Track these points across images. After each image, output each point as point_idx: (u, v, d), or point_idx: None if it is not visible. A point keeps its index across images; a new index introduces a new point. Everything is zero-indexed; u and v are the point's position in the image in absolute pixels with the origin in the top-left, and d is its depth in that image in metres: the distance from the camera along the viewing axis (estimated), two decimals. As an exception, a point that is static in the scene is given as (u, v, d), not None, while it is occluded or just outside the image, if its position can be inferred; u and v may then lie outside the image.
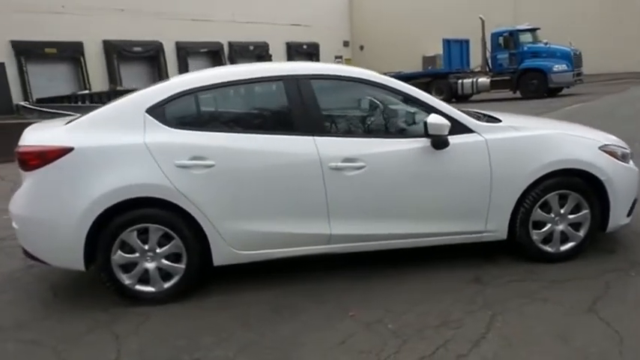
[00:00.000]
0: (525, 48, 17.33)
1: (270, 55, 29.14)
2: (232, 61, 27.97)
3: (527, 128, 3.46)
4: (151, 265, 3.16)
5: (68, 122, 3.30)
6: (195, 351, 2.69)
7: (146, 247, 3.12)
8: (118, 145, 3.05)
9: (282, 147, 3.14)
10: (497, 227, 3.39)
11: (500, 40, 17.86)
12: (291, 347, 2.69)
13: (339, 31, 32.78)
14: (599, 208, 3.44)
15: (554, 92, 17.08)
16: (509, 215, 3.37)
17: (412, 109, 3.40)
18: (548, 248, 3.48)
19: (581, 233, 3.48)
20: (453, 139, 3.21)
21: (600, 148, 3.44)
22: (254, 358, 2.61)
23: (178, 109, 3.21)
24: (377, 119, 3.58)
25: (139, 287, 3.19)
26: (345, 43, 33.43)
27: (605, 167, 3.38)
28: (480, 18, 17.69)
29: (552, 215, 3.42)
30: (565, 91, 17.45)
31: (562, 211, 3.42)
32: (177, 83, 3.26)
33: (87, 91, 20.49)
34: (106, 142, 3.05)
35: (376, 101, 3.62)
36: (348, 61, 33.60)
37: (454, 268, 3.50)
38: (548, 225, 3.44)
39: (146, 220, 3.08)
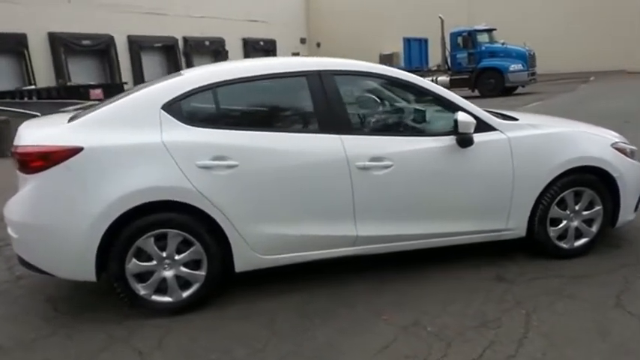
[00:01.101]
0: (483, 48, 17.85)
1: (227, 52, 28.59)
2: (188, 57, 27.26)
3: (545, 126, 3.49)
4: (168, 274, 2.94)
5: (71, 119, 3.03)
6: (232, 365, 2.52)
7: (164, 254, 2.90)
8: (132, 145, 2.81)
9: (308, 146, 3.00)
10: (517, 225, 3.40)
11: (459, 39, 18.31)
12: (333, 356, 2.57)
13: (296, 27, 32.60)
14: (611, 204, 3.52)
15: (509, 91, 17.68)
16: (529, 213, 3.38)
17: (437, 107, 3.35)
18: (563, 245, 3.52)
19: (594, 229, 3.55)
20: (477, 137, 3.18)
21: (612, 145, 3.52)
22: (296, 369, 2.48)
23: (196, 106, 3.00)
24: (402, 117, 3.50)
25: (155, 298, 2.96)
26: (302, 40, 33.27)
27: (617, 164, 3.46)
28: (440, 17, 18.04)
29: (568, 212, 3.47)
30: (520, 89, 18.11)
31: (577, 207, 3.47)
32: (194, 78, 3.05)
33: (33, 87, 19.29)
34: (118, 141, 2.80)
35: (400, 98, 3.54)
36: (304, 59, 33.51)
37: (474, 267, 3.48)
38: (564, 222, 3.48)
39: (164, 225, 2.86)
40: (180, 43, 27.01)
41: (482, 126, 3.23)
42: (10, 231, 2.95)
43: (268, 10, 30.28)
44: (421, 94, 3.32)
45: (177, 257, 2.92)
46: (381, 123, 3.47)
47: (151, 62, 25.88)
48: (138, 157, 2.80)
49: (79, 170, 2.74)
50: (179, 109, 2.92)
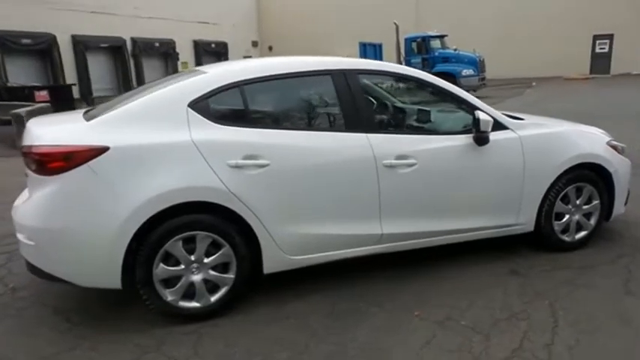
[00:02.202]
0: (437, 53, 18.43)
1: (177, 54, 27.90)
2: (136, 59, 26.32)
3: (550, 125, 3.66)
4: (197, 278, 2.84)
5: (88, 117, 2.86)
6: (279, 368, 2.47)
7: (192, 257, 2.80)
8: (160, 144, 2.69)
9: (337, 145, 3.00)
10: (526, 220, 3.54)
11: (414, 45, 18.81)
12: (379, 354, 2.57)
13: (248, 30, 32.30)
14: (607, 198, 3.74)
15: (461, 95, 18.29)
16: (537, 208, 3.53)
17: (454, 107, 3.43)
18: (565, 238, 3.70)
19: (592, 222, 3.76)
20: (492, 136, 3.29)
21: (607, 142, 3.74)
22: (347, 369, 2.46)
23: (224, 104, 2.92)
24: (423, 116, 3.55)
25: (182, 304, 2.84)
26: (254, 44, 33.01)
27: (612, 160, 3.68)
28: (395, 23, 18.47)
29: (570, 207, 3.65)
30: (470, 94, 18.77)
31: (578, 202, 3.66)
32: (220, 75, 2.95)
33: (-32, 88, 17.97)
34: (146, 140, 2.68)
35: (419, 98, 3.60)
36: (256, 62, 33.23)
37: (486, 262, 3.59)
38: (567, 216, 3.66)
39: (194, 227, 2.76)
40: (129, 44, 26.05)
41: (496, 125, 3.34)
42: (21, 237, 2.74)
43: (219, 12, 29.83)
44: (440, 93, 3.39)
45: (206, 260, 2.83)
46: (403, 122, 3.52)
47: (97, 63, 24.78)
48: (167, 156, 2.69)
49: (105, 171, 2.59)
50: (206, 107, 2.83)
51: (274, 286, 3.22)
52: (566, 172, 3.52)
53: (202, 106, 2.82)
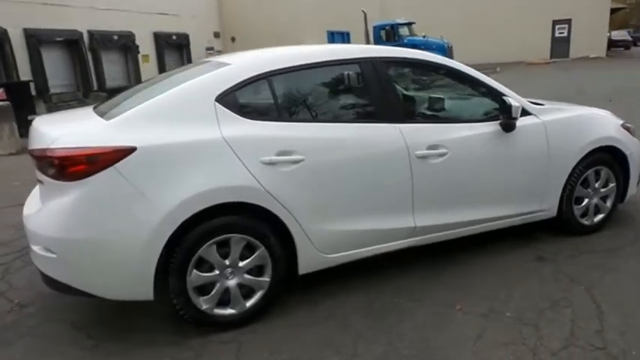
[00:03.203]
0: (405, 40, 18.49)
1: (137, 46, 26.96)
2: (94, 52, 25.27)
3: (569, 109, 3.64)
4: (232, 283, 2.67)
5: (104, 116, 2.62)
6: (334, 373, 2.34)
7: (227, 262, 2.62)
8: (190, 142, 2.49)
9: (370, 137, 2.87)
10: (549, 206, 3.53)
11: (382, 33, 18.79)
12: (433, 350, 2.48)
13: (209, 21, 31.49)
14: (622, 180, 3.77)
15: (431, 82, 18.47)
16: (560, 193, 3.52)
17: (479, 94, 3.35)
18: (585, 221, 3.72)
19: (608, 205, 3.78)
20: (518, 122, 3.24)
21: (621, 125, 3.77)
22: (405, 370, 2.36)
23: (252, 97, 2.74)
24: (450, 104, 3.46)
25: (217, 311, 2.67)
26: (216, 35, 32.23)
27: (627, 142, 3.71)
28: (363, 11, 18.39)
29: (589, 190, 3.66)
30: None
31: (596, 185, 3.68)
32: (247, 66, 2.76)
33: None
34: (174, 138, 2.47)
35: (446, 85, 3.50)
36: (219, 53, 32.57)
37: (510, 249, 3.55)
38: (586, 200, 3.67)
39: (228, 230, 2.58)
40: (86, 38, 24.98)
41: (522, 111, 3.29)
42: (37, 249, 2.49)
43: (179, 3, 28.97)
44: (467, 81, 3.30)
45: (240, 264, 2.66)
46: (432, 110, 3.42)
47: (52, 58, 23.65)
48: (198, 155, 2.49)
49: (133, 174, 2.38)
50: (234, 100, 2.64)
51: (304, 286, 3.08)
52: (586, 155, 3.52)
53: (230, 99, 2.63)
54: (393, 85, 2.99)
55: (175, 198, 2.41)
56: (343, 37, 20.70)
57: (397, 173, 2.93)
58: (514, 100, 3.17)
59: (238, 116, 2.62)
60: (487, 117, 3.27)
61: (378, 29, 18.93)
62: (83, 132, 2.49)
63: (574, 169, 3.51)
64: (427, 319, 2.76)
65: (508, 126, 3.19)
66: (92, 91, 23.40)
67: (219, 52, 32.46)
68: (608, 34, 27.74)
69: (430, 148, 2.99)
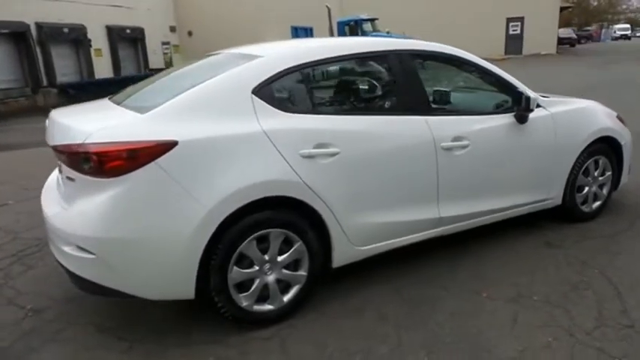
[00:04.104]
0: (369, 36, 18.64)
1: (89, 40, 25.88)
2: (43, 46, 24.07)
3: (570, 102, 3.79)
4: (270, 278, 2.63)
5: (133, 109, 2.52)
6: (387, 363, 2.36)
7: (266, 257, 2.59)
8: (231, 136, 2.44)
9: (401, 129, 2.90)
10: (555, 194, 3.68)
11: (346, 28, 18.89)
12: (474, 336, 2.54)
13: (165, 15, 30.59)
14: (617, 169, 3.98)
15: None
16: (565, 182, 3.68)
17: (495, 87, 3.44)
18: (585, 209, 3.90)
19: (605, 192, 3.99)
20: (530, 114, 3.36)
21: (616, 116, 3.97)
22: (453, 357, 2.40)
23: (287, 89, 2.71)
24: (469, 97, 3.53)
25: (257, 307, 2.63)
26: (172, 29, 31.36)
27: (622, 133, 3.92)
28: (327, 7, 18.42)
29: (589, 179, 3.85)
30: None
31: (595, 174, 3.87)
32: (282, 58, 2.72)
33: None
34: (215, 132, 2.41)
35: (465, 78, 3.57)
36: (176, 48, 31.81)
37: (520, 236, 3.68)
38: (586, 188, 3.85)
39: (268, 225, 2.54)
40: (34, 30, 23.76)
41: (531, 103, 3.40)
42: (70, 250, 2.37)
43: (133, -5, 27.99)
44: (485, 73, 3.39)
45: (279, 259, 2.63)
46: (454, 103, 3.48)
47: (-1, 52, 22.36)
48: (239, 149, 2.44)
49: (175, 169, 2.30)
50: (270, 93, 2.60)
51: (330, 280, 3.08)
52: (588, 146, 3.69)
53: (266, 92, 2.59)
54: (419, 77, 3.02)
55: (218, 193, 2.35)
56: (307, 33, 20.66)
57: (425, 165, 2.97)
58: (531, 92, 3.28)
59: (275, 109, 2.58)
60: (502, 109, 3.37)
61: (342, 25, 19.02)
62: (120, 126, 2.38)
63: (577, 158, 3.67)
64: (458, 306, 2.82)
65: (522, 118, 3.30)
66: (42, 87, 22.33)
67: (176, 47, 31.68)
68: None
69: (454, 140, 3.05)
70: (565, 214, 3.86)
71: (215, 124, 2.43)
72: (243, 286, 2.58)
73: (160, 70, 27.39)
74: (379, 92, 3.12)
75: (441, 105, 3.40)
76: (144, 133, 2.31)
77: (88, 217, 2.29)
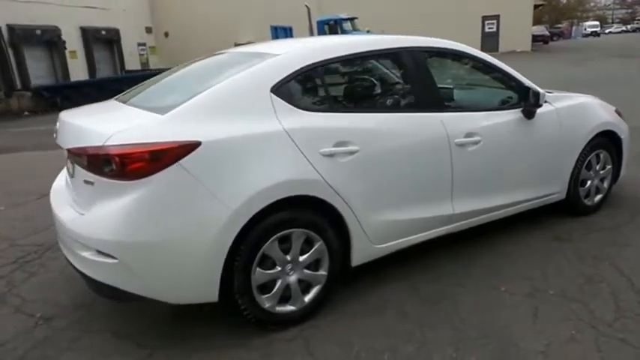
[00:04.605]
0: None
1: (64, 42, 25.30)
2: (15, 48, 23.44)
3: (572, 97, 3.85)
4: (292, 279, 2.60)
5: (156, 111, 2.45)
6: (416, 361, 2.35)
7: (288, 257, 2.55)
8: (253, 135, 2.39)
9: (417, 126, 2.90)
10: (560, 189, 3.73)
11: (326, 27, 18.89)
12: (499, 331, 2.55)
13: (140, 16, 30.07)
14: (616, 162, 4.06)
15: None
16: (569, 176, 3.73)
17: (504, 83, 3.47)
18: (587, 202, 3.97)
19: (605, 185, 4.06)
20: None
21: (615, 110, 4.05)
22: (482, 352, 2.40)
23: (305, 87, 2.67)
24: (477, 93, 3.55)
25: (279, 309, 2.59)
26: (148, 30, 30.86)
27: (621, 127, 4.00)
28: (306, 6, 18.38)
29: (591, 173, 3.91)
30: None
31: (597, 168, 3.94)
32: (299, 56, 2.68)
33: None
34: (236, 131, 2.36)
35: (473, 75, 3.58)
36: (152, 49, 31.34)
37: (527, 231, 3.72)
38: (589, 182, 3.92)
39: (291, 225, 2.51)
40: (5, 32, 23.12)
41: (537, 98, 3.44)
42: (89, 255, 2.29)
43: (108, -4, 27.49)
44: (492, 70, 3.40)
45: (300, 259, 2.60)
46: (465, 99, 3.49)
47: (-32, 55, 21.69)
48: (262, 148, 2.39)
49: (198, 170, 2.24)
50: (288, 91, 2.57)
51: (345, 278, 3.06)
52: (590, 140, 3.75)
53: (284, 90, 2.55)
54: (431, 74, 3.02)
55: (243, 194, 2.31)
56: (286, 33, 20.60)
57: (440, 161, 2.98)
58: (538, 88, 3.31)
59: (293, 107, 2.54)
60: (509, 105, 3.40)
61: (322, 24, 19.02)
62: (141, 127, 2.32)
63: (581, 153, 3.73)
64: (478, 302, 2.83)
65: (530, 113, 3.34)
66: (15, 90, 21.72)
67: (152, 49, 31.19)
68: (530, 30, 29.53)
69: (467, 136, 3.06)
70: (569, 208, 3.92)
71: (236, 124, 2.38)
72: (266, 287, 2.53)
73: (136, 71, 26.91)
74: (395, 89, 3.11)
75: (451, 101, 3.40)
76: (166, 134, 2.24)
77: (110, 221, 2.22)
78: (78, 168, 2.45)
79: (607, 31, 62.17)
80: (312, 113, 2.59)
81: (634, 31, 63.38)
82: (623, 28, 65.49)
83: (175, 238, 2.23)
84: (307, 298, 2.67)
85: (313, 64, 2.65)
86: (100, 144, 2.20)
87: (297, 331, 2.61)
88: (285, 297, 2.60)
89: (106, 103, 3.04)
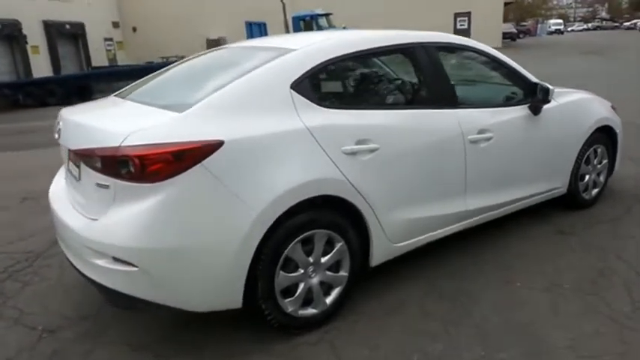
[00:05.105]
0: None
1: (25, 36, 24.38)
2: (-26, 43, 22.53)
3: (572, 92, 3.89)
4: (314, 281, 2.52)
5: (170, 108, 2.33)
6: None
7: (310, 259, 2.48)
8: (276, 133, 2.30)
9: (434, 122, 2.86)
10: (562, 183, 3.77)
11: (302, 23, 18.76)
12: (523, 327, 2.53)
13: (107, 10, 29.24)
14: (612, 156, 4.14)
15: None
16: (571, 171, 3.78)
17: (509, 78, 3.46)
18: (585, 196, 4.03)
19: (602, 179, 4.13)
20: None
21: (611, 106, 4.12)
22: (511, 350, 2.38)
23: (323, 83, 2.60)
24: (487, 89, 3.53)
25: (301, 312, 2.51)
26: (115, 24, 30.04)
27: (617, 122, 4.07)
28: (282, 1, 18.20)
29: (589, 167, 3.97)
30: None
31: (595, 162, 4.00)
32: (317, 51, 2.59)
33: None
34: (258, 130, 2.26)
35: (482, 71, 3.56)
36: (120, 45, 30.54)
37: (530, 225, 3.75)
38: (587, 176, 3.98)
39: (314, 226, 2.43)
40: (-37, 26, 22.15)
41: (541, 94, 3.46)
42: (105, 263, 2.15)
43: (72, -11, 26.63)
44: (501, 66, 3.40)
45: (322, 260, 2.52)
46: (473, 95, 3.47)
47: None
48: (285, 147, 2.30)
49: (222, 170, 2.14)
50: (307, 87, 2.48)
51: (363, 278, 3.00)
52: (590, 135, 3.80)
53: (304, 87, 2.46)
54: (444, 70, 2.99)
55: (268, 195, 2.21)
56: (260, 28, 20.36)
57: (455, 158, 2.95)
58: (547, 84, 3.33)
59: (313, 104, 2.46)
60: (515, 101, 3.40)
61: (297, 20, 18.88)
62: (160, 126, 2.19)
63: (581, 147, 3.77)
64: (497, 298, 2.82)
65: (537, 109, 3.35)
66: (-26, 86, 20.68)
67: (119, 44, 30.36)
68: (498, 27, 30.08)
69: (480, 132, 3.05)
70: (569, 202, 3.96)
71: (257, 122, 2.29)
72: (289, 291, 2.45)
73: (103, 67, 26.02)
74: (412, 85, 3.06)
75: (463, 97, 3.38)
76: (187, 134, 2.13)
77: (128, 227, 2.09)
78: (87, 170, 2.30)
79: (570, 29, 64.09)
80: (333, 110, 2.51)
81: (595, 29, 65.60)
82: (585, 26, 67.70)
83: (199, 242, 2.12)
84: (328, 300, 2.60)
85: (332, 59, 2.58)
86: (117, 145, 2.07)
87: (319, 334, 2.54)
88: (306, 300, 2.52)
89: (108, 99, 2.88)
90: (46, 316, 2.81)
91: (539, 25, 55.45)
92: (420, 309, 2.74)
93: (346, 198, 2.49)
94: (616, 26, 65.19)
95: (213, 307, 2.29)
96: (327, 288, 2.60)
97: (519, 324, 2.57)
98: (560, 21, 59.37)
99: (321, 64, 2.54)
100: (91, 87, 21.25)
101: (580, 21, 76.22)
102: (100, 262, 2.17)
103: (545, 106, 3.45)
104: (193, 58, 3.19)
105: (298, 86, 2.44)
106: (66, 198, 2.63)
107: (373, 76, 2.94)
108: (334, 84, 2.66)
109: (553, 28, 55.70)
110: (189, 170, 2.09)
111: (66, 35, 27.11)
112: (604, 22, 73.65)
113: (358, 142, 2.52)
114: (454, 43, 3.19)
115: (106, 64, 28.07)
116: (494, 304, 2.77)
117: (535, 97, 3.32)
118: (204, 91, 2.36)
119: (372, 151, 2.56)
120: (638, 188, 4.50)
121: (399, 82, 3.10)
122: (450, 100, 2.99)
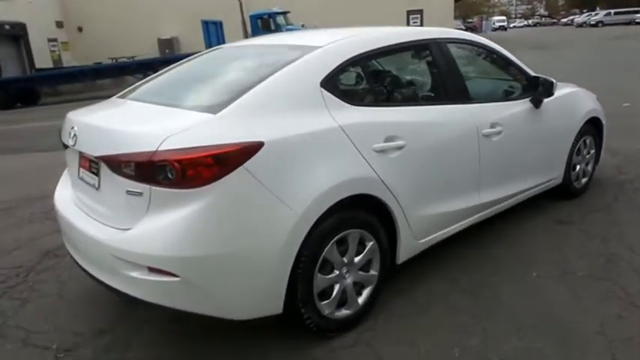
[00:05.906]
0: (283, 29, 18.47)
1: (-40, 37, 22.77)
2: None
3: (565, 85, 4.01)
4: (348, 282, 2.48)
5: (202, 110, 2.21)
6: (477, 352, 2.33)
7: (345, 259, 2.43)
8: (312, 133, 2.23)
9: (453, 118, 2.88)
10: (558, 174, 3.90)
11: (259, 22, 18.54)
12: (551, 317, 2.59)
13: (50, 9, 27.76)
14: (599, 146, 4.32)
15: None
16: (566, 161, 3.91)
17: (511, 73, 3.54)
18: (577, 185, 4.18)
19: (589, 169, 4.31)
20: (541, 98, 3.51)
21: (597, 98, 4.30)
22: (545, 338, 2.43)
23: (351, 80, 2.56)
24: (492, 83, 3.57)
25: (337, 314, 2.47)
26: (59, 24, 28.60)
27: (602, 113, 4.25)
28: (239, 0, 17.93)
29: (580, 157, 4.12)
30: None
31: (584, 152, 4.16)
32: (343, 47, 2.53)
33: None
34: (295, 130, 2.19)
35: (488, 66, 3.60)
36: (65, 45, 29.14)
37: (530, 216, 3.85)
38: (578, 166, 4.13)
39: (348, 226, 2.39)
40: None
41: (539, 87, 3.56)
42: (140, 275, 2.02)
43: (11, -13, 25.13)
44: (504, 61, 3.47)
45: (355, 260, 2.49)
46: (482, 90, 3.50)
47: None
48: (321, 147, 2.25)
49: (263, 172, 2.06)
50: (335, 85, 2.44)
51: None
52: (581, 126, 3.95)
53: (332, 84, 2.42)
54: (457, 65, 3.02)
55: (308, 196, 2.15)
56: (216, 26, 19.97)
57: (471, 152, 2.99)
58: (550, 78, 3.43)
59: (342, 102, 2.42)
60: (518, 95, 3.48)
61: (254, 18, 18.64)
62: (196, 128, 2.07)
63: (575, 139, 3.91)
64: (518, 289, 2.87)
65: (538, 102, 3.44)
66: None
67: (65, 44, 28.99)
68: (449, 24, 30.87)
69: (491, 126, 3.09)
70: (563, 192, 4.10)
71: (292, 121, 2.22)
72: (324, 293, 2.40)
73: (49, 69, 24.76)
74: (431, 81, 3.07)
75: (474, 92, 3.42)
76: (226, 135, 2.03)
77: (169, 235, 1.97)
78: (112, 177, 2.15)
79: (512, 25, 66.69)
80: (361, 107, 2.48)
81: (535, 25, 68.59)
82: (526, 23, 70.70)
83: (243, 248, 2.04)
84: (360, 300, 2.57)
85: (356, 56, 2.54)
86: (153, 149, 1.95)
87: (355, 336, 2.50)
88: (340, 301, 2.48)
89: (115, 100, 2.72)
90: (57, 334, 2.63)
91: (484, 22, 57.42)
92: (448, 305, 2.75)
93: (378, 196, 2.46)
94: (554, 22, 68.52)
95: (255, 314, 2.20)
96: (359, 288, 2.57)
97: (546, 313, 2.63)
98: (504, 18, 61.84)
99: (347, 61, 2.50)
100: (36, 90, 20.18)
101: (521, 18, 79.63)
102: (135, 273, 2.04)
103: (545, 99, 3.55)
104: (199, 56, 3.06)
105: (327, 84, 2.39)
106: (77, 207, 2.46)
107: (396, 73, 2.93)
108: (360, 81, 2.62)
109: (497, 24, 57.84)
110: (232, 173, 1.99)
111: (5, 36, 25.53)
112: (543, 18, 77.31)
113: (387, 140, 2.49)
114: (464, 39, 3.23)
115: (51, 65, 26.73)
116: (516, 295, 2.81)
117: (537, 90, 3.41)
118: (234, 91, 2.27)
119: (399, 148, 2.55)
120: (618, 176, 4.71)
121: (420, 78, 3.11)
122: (464, 95, 3.02)
